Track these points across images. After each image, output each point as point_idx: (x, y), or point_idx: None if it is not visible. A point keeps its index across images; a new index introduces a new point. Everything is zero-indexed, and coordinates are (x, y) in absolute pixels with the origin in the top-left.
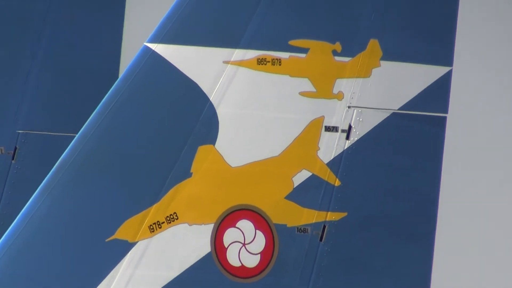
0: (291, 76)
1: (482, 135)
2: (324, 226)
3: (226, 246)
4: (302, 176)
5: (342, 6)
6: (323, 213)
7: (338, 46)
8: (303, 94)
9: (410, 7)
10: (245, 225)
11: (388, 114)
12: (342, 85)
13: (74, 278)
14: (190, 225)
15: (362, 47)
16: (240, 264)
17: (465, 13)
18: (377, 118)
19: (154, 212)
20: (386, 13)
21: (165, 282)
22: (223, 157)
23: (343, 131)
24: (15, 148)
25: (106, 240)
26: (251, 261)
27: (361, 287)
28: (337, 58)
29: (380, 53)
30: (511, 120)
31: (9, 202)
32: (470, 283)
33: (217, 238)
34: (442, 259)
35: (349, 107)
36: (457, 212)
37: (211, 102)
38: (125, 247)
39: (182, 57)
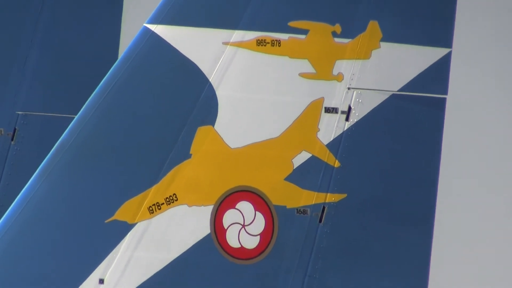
0: (290, 57)
1: (482, 133)
2: (324, 208)
3: (225, 228)
4: (301, 157)
5: None
6: (322, 195)
7: (338, 28)
8: (302, 75)
9: None
10: (245, 206)
11: (388, 96)
12: (342, 66)
13: (73, 259)
14: (189, 206)
15: (361, 28)
16: (240, 246)
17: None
18: (376, 99)
19: (153, 194)
20: None
21: (164, 263)
22: (222, 139)
23: (342, 112)
24: (15, 129)
25: (106, 221)
26: (251, 243)
27: (360, 269)
28: (336, 39)
29: (380, 35)
30: (511, 121)
31: (8, 183)
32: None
33: (216, 220)
34: (442, 256)
35: (348, 88)
36: (456, 211)
37: (210, 83)
38: (124, 228)
39: (182, 38)
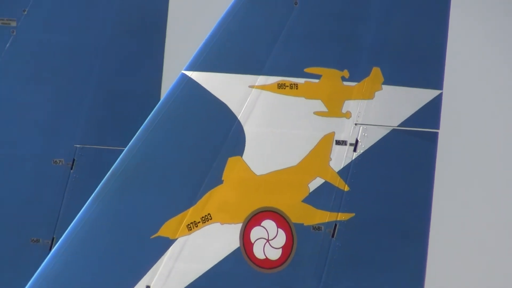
0: (306, 98)
1: (480, 137)
2: (335, 225)
3: (252, 242)
4: (316, 182)
5: (349, 40)
6: (334, 214)
7: (346, 73)
8: (316, 113)
9: (406, 40)
10: (269, 224)
11: (389, 130)
12: (350, 105)
13: (124, 270)
14: (221, 224)
15: (366, 73)
16: (265, 257)
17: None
18: (379, 133)
19: (191, 213)
20: (386, 45)
21: (200, 273)
22: (249, 167)
23: (351, 144)
24: (73, 160)
25: (151, 237)
26: (274, 255)
27: (366, 276)
28: (345, 83)
29: (382, 79)
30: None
31: (68, 205)
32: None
33: (244, 235)
34: (439, 259)
35: (355, 124)
36: (454, 213)
37: (238, 120)
38: (167, 243)
39: (214, 82)
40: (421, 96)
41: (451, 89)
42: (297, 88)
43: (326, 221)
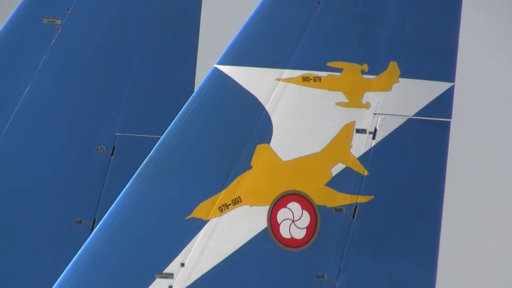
0: (328, 90)
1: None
2: (356, 207)
3: (279, 223)
4: (338, 168)
5: (368, 36)
6: (354, 197)
7: (365, 67)
8: (338, 104)
9: (420, 37)
10: (294, 206)
11: (405, 120)
12: (369, 97)
13: (159, 249)
14: (250, 206)
15: (384, 67)
16: (290, 237)
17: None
18: (396, 122)
19: (222, 196)
20: (402, 42)
21: (231, 251)
22: (276, 153)
23: (370, 133)
24: (113, 147)
25: (185, 218)
26: (299, 234)
27: (383, 255)
28: (365, 76)
29: (399, 72)
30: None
31: (109, 189)
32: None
33: (272, 216)
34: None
35: (374, 114)
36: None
37: (266, 111)
38: (200, 223)
39: (244, 75)
40: (434, 88)
41: (467, 83)
42: (320, 81)
43: (347, 203)
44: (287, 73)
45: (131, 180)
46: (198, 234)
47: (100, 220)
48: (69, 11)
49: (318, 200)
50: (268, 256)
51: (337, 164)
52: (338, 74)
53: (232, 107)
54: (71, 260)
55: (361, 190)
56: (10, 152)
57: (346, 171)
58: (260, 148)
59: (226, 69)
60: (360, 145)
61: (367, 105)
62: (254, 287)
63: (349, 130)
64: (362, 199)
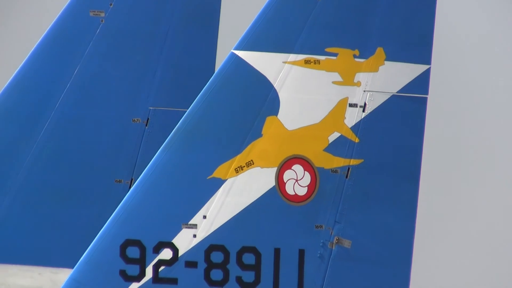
0: (326, 71)
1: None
2: (349, 169)
3: (285, 182)
4: (334, 136)
5: (360, 26)
6: (348, 160)
7: (357, 52)
8: (334, 82)
9: (403, 27)
10: (297, 168)
11: (390, 96)
12: (360, 77)
13: (186, 204)
14: (261, 168)
15: (372, 52)
16: (294, 193)
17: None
18: (382, 98)
19: (238, 159)
20: (388, 31)
21: (245, 205)
22: (283, 124)
23: (360, 106)
24: (148, 119)
25: (207, 177)
26: (301, 191)
27: (371, 208)
28: (356, 59)
29: (384, 56)
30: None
31: (144, 154)
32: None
33: (279, 177)
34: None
35: (364, 91)
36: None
37: (274, 88)
38: (219, 182)
39: (256, 59)
40: (414, 69)
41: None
42: (319, 64)
43: (342, 165)
44: (292, 57)
45: (162, 146)
46: (217, 191)
47: (137, 179)
48: (111, 6)
49: (317, 163)
50: (276, 209)
51: (333, 132)
52: (334, 58)
53: (246, 85)
54: (112, 213)
55: (353, 155)
56: (64, 121)
57: (341, 139)
58: (269, 119)
59: (241, 53)
60: (352, 117)
61: (358, 84)
62: (264, 235)
63: (343, 104)
64: (354, 162)
